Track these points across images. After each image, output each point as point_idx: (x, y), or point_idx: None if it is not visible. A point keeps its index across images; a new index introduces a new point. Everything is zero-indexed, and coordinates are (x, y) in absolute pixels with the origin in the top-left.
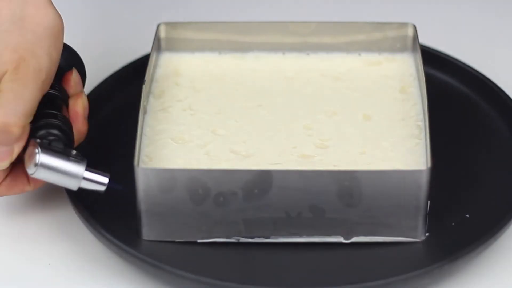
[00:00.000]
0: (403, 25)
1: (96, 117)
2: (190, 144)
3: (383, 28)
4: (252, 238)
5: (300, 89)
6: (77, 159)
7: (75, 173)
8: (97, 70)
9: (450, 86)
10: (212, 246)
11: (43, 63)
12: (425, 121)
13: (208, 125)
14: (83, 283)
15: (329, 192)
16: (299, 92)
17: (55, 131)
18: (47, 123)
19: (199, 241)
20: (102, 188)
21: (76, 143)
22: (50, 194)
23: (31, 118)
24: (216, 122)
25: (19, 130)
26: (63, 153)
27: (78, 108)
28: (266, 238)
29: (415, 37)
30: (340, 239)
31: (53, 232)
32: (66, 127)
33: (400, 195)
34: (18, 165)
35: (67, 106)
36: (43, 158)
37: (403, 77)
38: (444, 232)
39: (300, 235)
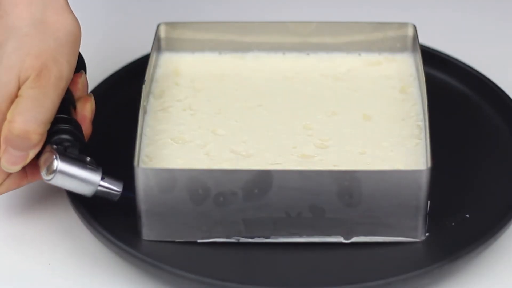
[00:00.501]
0: (403, 25)
1: (96, 117)
2: (190, 144)
3: (383, 28)
4: (252, 238)
5: (300, 89)
6: (93, 167)
7: (92, 181)
8: (97, 70)
9: (450, 86)
10: (212, 246)
11: (64, 70)
12: (425, 121)
13: (208, 125)
14: (83, 283)
15: (329, 192)
16: (299, 92)
17: (69, 137)
18: (61, 128)
19: (199, 241)
20: (116, 196)
21: None
22: (50, 194)
23: (49, 125)
24: (216, 122)
25: (38, 138)
26: (80, 160)
27: (87, 112)
28: (266, 238)
29: (415, 37)
30: (340, 239)
31: (53, 232)
32: (79, 132)
33: (400, 195)
34: None
35: (74, 108)
36: (61, 165)
37: (403, 77)
38: (444, 232)
39: (300, 235)
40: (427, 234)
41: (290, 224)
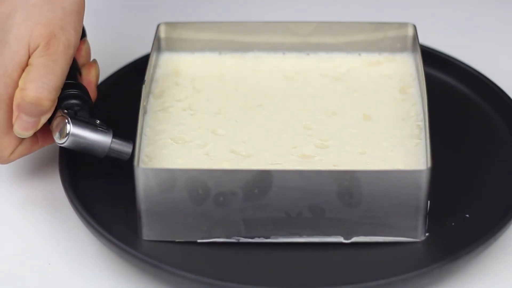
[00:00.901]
0: (403, 25)
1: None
2: (190, 144)
3: (383, 28)
4: (252, 238)
5: (300, 89)
6: (103, 129)
7: (103, 142)
8: None
9: (450, 86)
10: (212, 246)
11: (72, 38)
12: (425, 121)
13: (208, 125)
14: (83, 283)
15: (329, 192)
16: (299, 92)
17: (79, 101)
18: (71, 93)
19: (199, 241)
20: (127, 155)
21: None
22: (50, 194)
23: (59, 92)
24: (216, 122)
25: (49, 104)
26: (91, 123)
27: (92, 77)
28: (266, 238)
29: (415, 37)
30: (340, 239)
31: (53, 232)
32: (86, 96)
33: (400, 195)
34: None
35: (80, 74)
36: (73, 129)
37: (403, 77)
38: (444, 232)
39: (300, 235)
40: (427, 234)
41: (290, 224)
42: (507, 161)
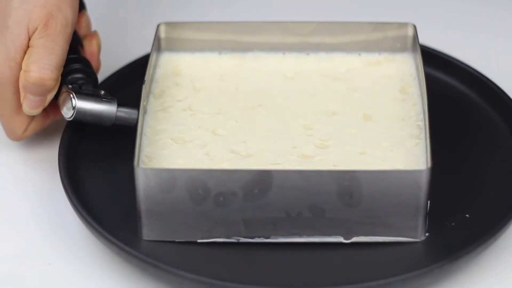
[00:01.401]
0: (403, 25)
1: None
2: (190, 144)
3: (383, 28)
4: (252, 238)
5: (300, 89)
6: (108, 99)
7: (109, 112)
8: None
9: (450, 86)
10: (212, 246)
11: (69, 17)
12: (425, 121)
13: (208, 125)
14: (83, 283)
15: (329, 192)
16: (299, 92)
17: (82, 75)
18: (74, 68)
19: (199, 241)
20: (133, 122)
21: None
22: (50, 194)
23: (62, 70)
24: (216, 122)
25: (52, 83)
26: (95, 95)
27: (93, 48)
28: (266, 238)
29: (415, 37)
30: (340, 239)
31: (53, 232)
32: (89, 69)
33: (400, 195)
34: None
35: (81, 46)
36: (79, 103)
37: (403, 77)
38: (444, 232)
39: (300, 235)
40: (427, 234)
41: (290, 224)
42: (507, 161)
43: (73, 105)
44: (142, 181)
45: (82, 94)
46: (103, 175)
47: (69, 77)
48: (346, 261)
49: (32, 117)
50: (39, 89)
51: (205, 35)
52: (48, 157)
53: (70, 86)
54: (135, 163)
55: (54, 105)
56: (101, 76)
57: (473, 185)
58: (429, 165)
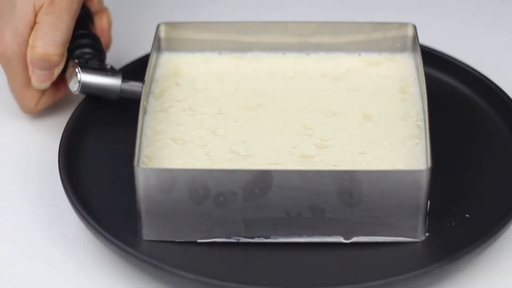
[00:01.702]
0: (403, 25)
1: (96, 117)
2: (190, 145)
3: (383, 28)
4: (252, 238)
5: (300, 89)
6: (113, 73)
7: (114, 86)
8: None
9: (450, 86)
10: (212, 246)
11: None
12: (425, 121)
13: (208, 125)
14: (83, 283)
15: (329, 192)
16: (299, 92)
17: (89, 50)
18: (81, 43)
19: (199, 241)
20: (139, 94)
21: None
22: (50, 194)
23: (67, 45)
24: (216, 122)
25: (58, 58)
26: (100, 69)
27: (104, 24)
28: (266, 238)
29: (415, 37)
30: (340, 239)
31: (53, 232)
32: (97, 44)
33: (400, 195)
34: None
35: (92, 23)
36: (84, 77)
37: (403, 77)
38: (444, 232)
39: (300, 235)
40: (427, 234)
41: (290, 224)
42: (507, 161)
43: (79, 79)
44: (142, 181)
45: (88, 68)
46: (103, 175)
47: (77, 52)
48: (346, 261)
49: (43, 91)
50: (45, 64)
51: (205, 35)
52: (48, 157)
53: (76, 60)
54: (135, 163)
55: (63, 80)
56: None
57: (473, 185)
58: (429, 165)
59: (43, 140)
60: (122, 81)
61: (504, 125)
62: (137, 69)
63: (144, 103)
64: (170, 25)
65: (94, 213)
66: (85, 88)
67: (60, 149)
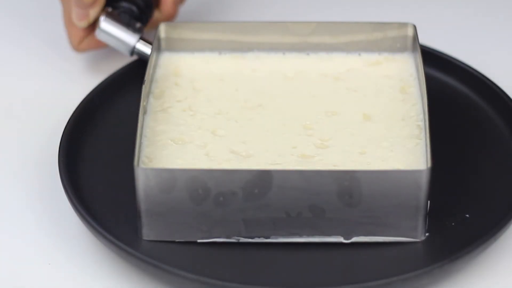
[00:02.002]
0: (403, 25)
1: (96, 117)
2: (190, 145)
3: (383, 28)
4: (252, 238)
5: (300, 89)
6: (134, 31)
7: (129, 42)
8: (97, 70)
9: (450, 86)
10: (212, 246)
11: None
12: (425, 121)
13: (208, 125)
14: (83, 283)
15: (329, 192)
16: (299, 92)
17: (128, 5)
18: None
19: (199, 241)
20: (147, 57)
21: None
22: (50, 194)
23: None
24: (216, 122)
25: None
26: (125, 24)
27: None
28: (266, 238)
29: (415, 37)
30: (340, 239)
31: (53, 232)
32: (145, 5)
33: (400, 195)
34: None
35: None
36: (103, 24)
37: (403, 77)
38: (444, 232)
39: (300, 235)
40: (427, 234)
41: (290, 224)
42: (507, 161)
43: (99, 25)
44: (142, 181)
45: (112, 18)
46: (103, 175)
47: (119, 3)
48: (346, 261)
49: (86, 32)
50: (78, 2)
51: (205, 35)
52: (48, 157)
53: (110, 9)
54: (135, 163)
55: None
56: (102, 76)
57: (473, 185)
58: (429, 165)
59: (43, 140)
60: (139, 41)
61: (504, 125)
62: (137, 69)
63: (144, 103)
64: (170, 25)
65: (94, 213)
66: (102, 36)
67: (60, 149)
